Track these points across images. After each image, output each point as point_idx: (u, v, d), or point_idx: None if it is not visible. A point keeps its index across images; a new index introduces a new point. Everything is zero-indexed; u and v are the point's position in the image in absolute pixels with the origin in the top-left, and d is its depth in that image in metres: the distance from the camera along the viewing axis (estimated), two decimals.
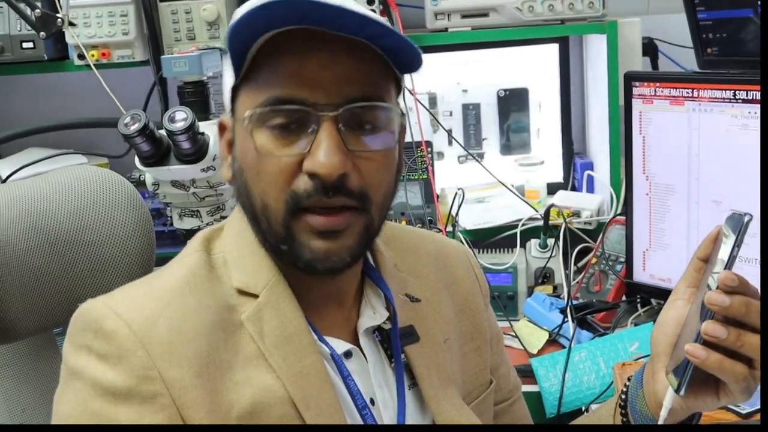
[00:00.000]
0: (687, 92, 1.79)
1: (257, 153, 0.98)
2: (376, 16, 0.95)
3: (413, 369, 1.11)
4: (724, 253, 0.97)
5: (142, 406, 0.95)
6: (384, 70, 1.00)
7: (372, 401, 1.07)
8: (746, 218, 0.96)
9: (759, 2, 1.77)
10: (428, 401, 1.10)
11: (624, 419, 1.11)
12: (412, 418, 1.10)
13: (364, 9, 0.94)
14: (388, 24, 0.95)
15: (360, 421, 1.05)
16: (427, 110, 2.42)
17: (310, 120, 0.96)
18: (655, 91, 1.86)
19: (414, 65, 1.00)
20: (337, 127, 0.96)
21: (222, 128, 1.09)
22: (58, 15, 1.96)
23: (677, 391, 0.98)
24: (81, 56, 2.22)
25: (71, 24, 2.01)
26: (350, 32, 0.94)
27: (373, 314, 1.11)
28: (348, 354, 1.07)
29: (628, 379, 1.13)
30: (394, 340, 1.10)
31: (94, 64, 2.17)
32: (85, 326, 0.99)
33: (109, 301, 1.01)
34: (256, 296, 1.03)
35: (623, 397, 1.12)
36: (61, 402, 1.00)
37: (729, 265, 0.96)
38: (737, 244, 0.96)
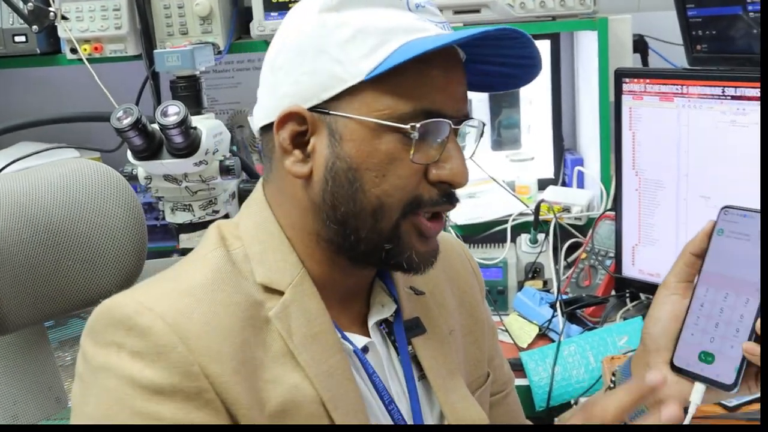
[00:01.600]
0: (676, 89, 1.81)
1: (388, 156, 0.99)
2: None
3: (420, 360, 1.12)
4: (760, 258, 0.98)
5: (186, 403, 0.93)
6: None
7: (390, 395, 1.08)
8: None
9: (748, 0, 1.79)
10: (436, 391, 1.12)
11: None
12: (423, 409, 1.11)
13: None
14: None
15: (387, 417, 1.06)
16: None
17: (445, 131, 1.00)
18: (644, 87, 1.87)
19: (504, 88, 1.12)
20: (456, 139, 1.03)
21: (288, 118, 1.02)
22: (50, 9, 1.97)
23: (731, 388, 0.99)
24: (73, 50, 2.22)
25: (64, 18, 2.03)
26: (526, 57, 1.04)
27: (382, 308, 1.13)
28: (365, 349, 1.08)
29: (613, 374, 1.13)
30: (398, 332, 1.12)
31: (87, 59, 2.18)
32: (115, 323, 0.96)
33: (138, 296, 0.98)
34: (281, 293, 1.03)
35: None
36: (88, 402, 0.96)
37: None
38: None
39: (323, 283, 1.06)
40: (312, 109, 1.01)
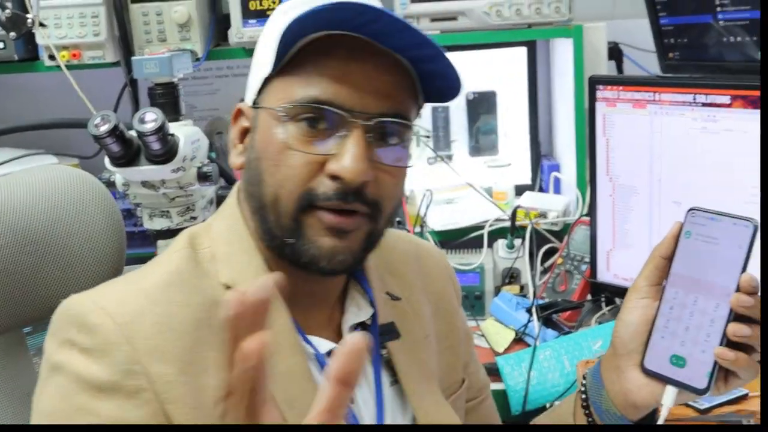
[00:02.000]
0: (649, 96, 1.83)
1: (282, 145, 1.00)
2: (433, 39, 1.00)
3: (395, 365, 1.13)
4: (732, 259, 1.00)
5: (126, 401, 0.95)
6: (413, 93, 1.05)
7: (351, 399, 1.08)
8: (755, 222, 1.00)
9: (717, 9, 1.81)
10: (410, 396, 1.12)
11: (590, 419, 1.13)
12: (393, 414, 1.12)
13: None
14: (442, 49, 1.00)
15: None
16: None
17: (342, 124, 0.99)
18: (618, 94, 1.89)
19: (449, 95, 1.06)
20: (365, 136, 0.99)
21: (238, 115, 1.10)
22: (28, 16, 1.97)
23: (702, 393, 1.01)
24: (51, 57, 2.22)
25: (42, 25, 2.02)
26: (399, 49, 1.00)
27: (358, 311, 1.13)
28: (331, 353, 1.09)
29: (584, 377, 1.14)
30: (373, 336, 1.12)
31: (65, 65, 2.18)
32: (69, 321, 0.99)
33: (94, 296, 1.02)
34: None
35: (584, 396, 1.14)
36: (43, 398, 1.00)
37: (744, 269, 0.99)
38: (751, 250, 0.99)
39: (286, 287, 1.07)
40: (253, 105, 1.06)
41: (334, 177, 0.99)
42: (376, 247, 1.08)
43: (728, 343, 0.99)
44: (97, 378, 0.96)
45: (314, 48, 1.00)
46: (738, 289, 0.99)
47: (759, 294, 0.99)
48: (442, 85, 1.05)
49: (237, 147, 1.09)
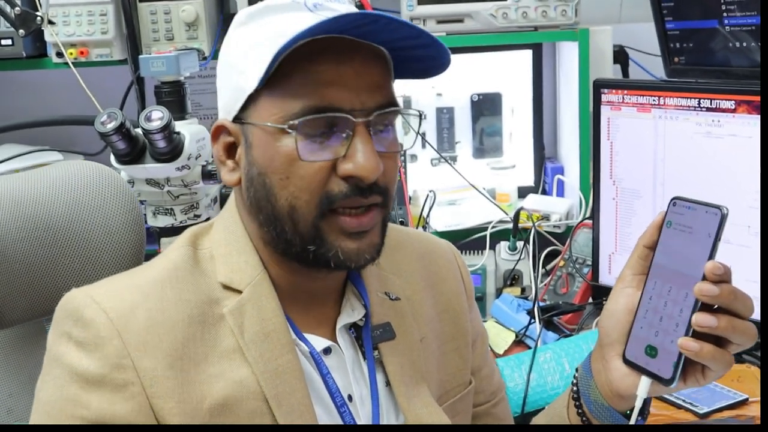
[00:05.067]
0: (653, 100, 1.84)
1: (289, 157, 1.00)
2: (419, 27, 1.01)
3: (385, 366, 1.13)
4: (701, 247, 0.99)
5: (114, 394, 0.98)
6: (390, 73, 1.07)
7: (350, 397, 1.10)
8: (725, 211, 0.98)
9: (724, 14, 1.82)
10: (398, 397, 1.12)
11: (579, 410, 1.13)
12: (388, 414, 1.13)
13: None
14: (425, 30, 1.01)
15: (338, 418, 1.07)
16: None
17: (345, 126, 1.00)
18: (623, 98, 1.90)
19: (432, 73, 1.09)
20: (368, 131, 1.01)
21: (218, 131, 1.09)
22: (37, 13, 1.98)
23: (669, 383, 1.00)
24: (59, 54, 2.23)
25: (50, 22, 2.03)
26: (383, 40, 1.01)
27: (352, 311, 1.14)
28: (327, 350, 1.10)
29: (576, 370, 1.15)
30: (365, 336, 1.13)
31: (73, 62, 2.19)
32: (67, 314, 1.03)
33: (91, 290, 1.04)
34: (239, 292, 1.07)
35: (575, 389, 1.14)
36: (42, 388, 1.03)
37: (711, 258, 0.98)
38: (718, 238, 0.98)
39: (284, 285, 1.09)
40: (234, 120, 1.06)
41: (348, 177, 1.00)
42: None
43: (698, 333, 0.97)
44: (87, 371, 0.99)
45: (298, 56, 0.99)
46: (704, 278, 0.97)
47: (728, 283, 0.97)
48: (427, 65, 1.08)
49: (226, 164, 1.09)
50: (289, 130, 0.99)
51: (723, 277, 0.96)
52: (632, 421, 1.05)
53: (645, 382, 1.02)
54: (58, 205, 1.30)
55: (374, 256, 1.06)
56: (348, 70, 1.00)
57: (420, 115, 1.12)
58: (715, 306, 0.97)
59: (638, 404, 1.04)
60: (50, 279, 1.28)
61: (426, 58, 1.05)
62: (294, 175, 1.01)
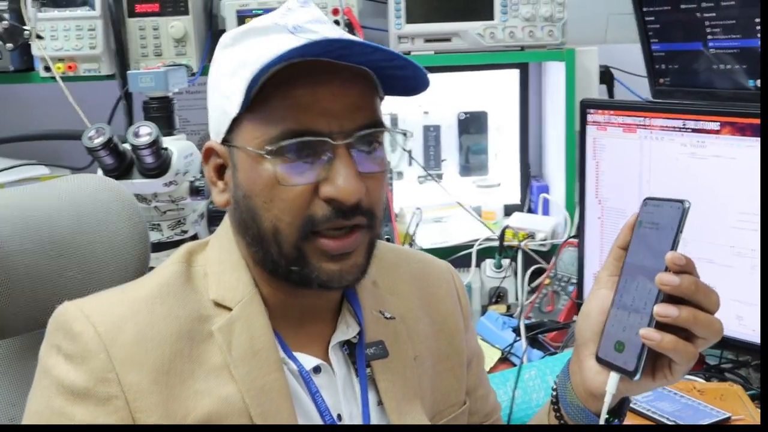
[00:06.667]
0: (639, 120, 1.85)
1: (270, 181, 1.01)
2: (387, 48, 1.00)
3: (377, 384, 1.13)
4: (665, 241, 0.99)
5: (97, 407, 0.98)
6: (376, 92, 1.07)
7: (339, 417, 1.09)
8: (686, 205, 0.99)
9: (708, 36, 1.84)
10: (390, 415, 1.12)
11: (557, 414, 1.13)
12: None
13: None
14: (399, 53, 1.01)
15: None
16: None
17: (325, 149, 1.00)
18: (608, 118, 1.91)
19: (414, 91, 1.08)
20: (350, 153, 1.01)
21: (209, 153, 1.10)
22: (25, 27, 1.98)
23: (632, 375, 1.00)
24: (47, 68, 2.23)
25: (38, 37, 2.03)
26: (379, 60, 1.01)
27: (347, 329, 1.14)
28: (317, 369, 1.10)
29: (557, 377, 1.15)
30: (359, 354, 1.13)
31: (60, 77, 2.19)
32: (58, 327, 1.03)
33: (82, 304, 1.05)
34: (230, 309, 1.07)
35: (554, 394, 1.14)
36: (31, 399, 1.04)
37: (674, 249, 0.98)
38: (680, 230, 0.99)
39: (276, 304, 1.09)
40: (222, 142, 1.07)
41: (329, 200, 1.00)
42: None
43: (663, 326, 0.97)
44: (74, 383, 0.99)
45: (277, 80, 0.99)
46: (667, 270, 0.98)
47: (692, 274, 0.97)
48: (407, 84, 1.07)
49: (217, 185, 1.10)
50: (267, 156, 1.00)
51: (685, 268, 0.97)
52: (601, 420, 1.05)
53: (613, 377, 1.03)
54: (64, 218, 1.29)
55: (357, 276, 1.06)
56: (325, 93, 1.00)
57: (405, 134, 1.13)
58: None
59: (607, 399, 1.03)
60: (54, 291, 1.28)
61: (405, 77, 1.06)
62: (276, 198, 1.01)
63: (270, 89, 1.00)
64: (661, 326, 0.97)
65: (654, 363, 1.01)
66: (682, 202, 1.00)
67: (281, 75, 0.99)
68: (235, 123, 1.04)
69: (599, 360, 1.05)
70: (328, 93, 1.00)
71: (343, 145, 1.00)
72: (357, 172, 1.01)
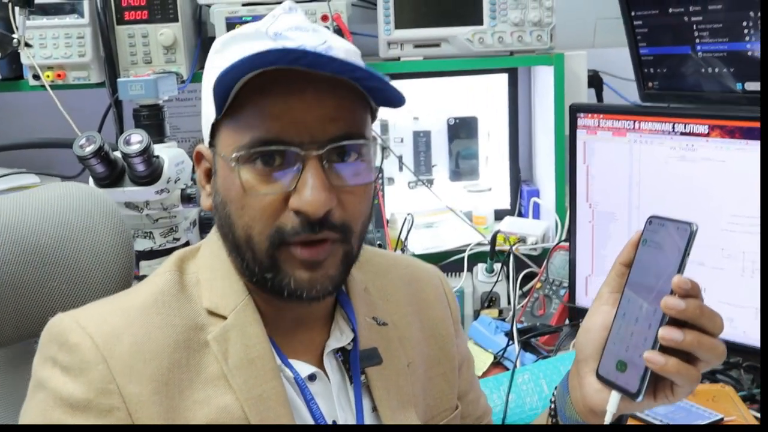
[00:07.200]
0: (628, 124, 1.86)
1: (241, 188, 1.00)
2: (361, 63, 1.00)
3: (372, 391, 1.13)
4: (670, 263, 1.00)
5: (99, 419, 0.98)
6: (362, 104, 1.04)
7: (334, 423, 1.09)
8: (694, 227, 0.99)
9: (696, 40, 1.85)
10: (384, 422, 1.12)
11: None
12: None
13: (346, 54, 1.00)
14: (373, 70, 0.99)
15: None
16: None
17: (295, 159, 0.99)
18: (598, 122, 1.92)
19: (395, 104, 1.05)
20: (321, 164, 0.99)
21: (199, 157, 1.11)
22: (13, 36, 1.97)
23: (635, 397, 1.00)
24: (36, 77, 2.23)
25: (27, 45, 2.03)
26: (336, 73, 0.98)
27: (341, 335, 1.14)
28: (312, 377, 1.10)
29: (555, 389, 1.16)
30: (353, 362, 1.13)
31: (50, 85, 2.19)
32: (52, 339, 1.02)
33: (77, 315, 1.04)
34: (224, 318, 1.06)
35: (553, 407, 1.15)
36: (26, 412, 1.03)
37: (680, 272, 0.99)
38: (687, 253, 0.99)
39: (269, 311, 1.09)
40: (209, 146, 1.07)
41: (297, 212, 0.99)
42: (356, 264, 1.10)
43: (666, 348, 0.98)
44: (72, 395, 0.98)
45: (251, 88, 0.99)
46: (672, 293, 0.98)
47: (696, 298, 0.98)
48: (387, 97, 1.05)
49: (205, 188, 1.10)
50: (233, 163, 1.00)
51: (690, 292, 0.97)
52: None
53: (614, 397, 1.03)
54: (47, 227, 1.29)
55: (329, 288, 1.04)
56: (297, 103, 0.99)
57: (384, 149, 1.10)
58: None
59: (608, 419, 1.04)
60: (39, 301, 1.28)
61: (377, 89, 1.03)
62: (247, 206, 1.01)
63: (244, 97, 0.99)
64: (665, 348, 0.98)
65: (656, 383, 1.01)
66: (689, 224, 1.00)
67: (255, 82, 0.99)
68: (215, 128, 1.05)
69: (600, 377, 1.05)
70: (300, 102, 0.99)
71: (314, 156, 0.99)
72: (326, 184, 0.99)
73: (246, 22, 2.18)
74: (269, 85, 0.98)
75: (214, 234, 1.13)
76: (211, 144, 1.07)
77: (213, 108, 1.03)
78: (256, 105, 0.99)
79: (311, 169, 0.99)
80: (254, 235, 1.01)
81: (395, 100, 1.04)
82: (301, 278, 1.02)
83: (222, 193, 1.04)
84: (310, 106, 0.99)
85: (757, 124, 1.62)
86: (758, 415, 1.64)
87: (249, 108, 1.00)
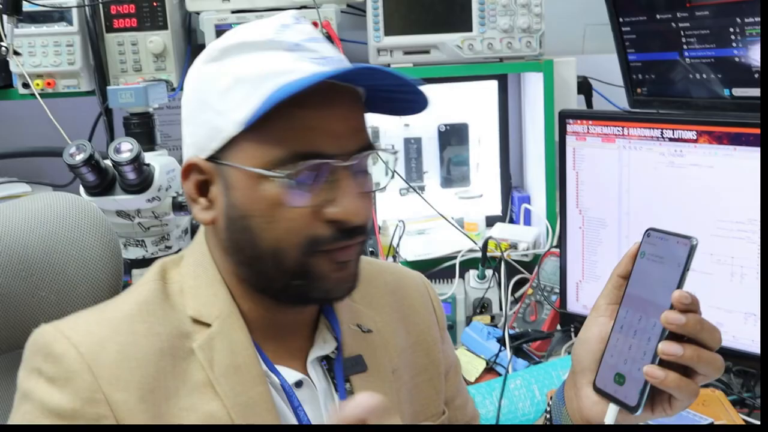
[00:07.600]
0: (618, 130, 1.87)
1: (273, 202, 1.00)
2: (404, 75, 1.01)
3: None
4: (669, 277, 1.00)
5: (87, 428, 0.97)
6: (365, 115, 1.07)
7: None
8: (694, 242, 1.00)
9: (684, 46, 1.86)
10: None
11: None
12: None
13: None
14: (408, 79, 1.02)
15: None
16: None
17: (329, 171, 1.00)
18: (587, 128, 1.93)
19: (415, 112, 1.08)
20: (352, 175, 1.02)
21: (190, 169, 1.07)
22: (2, 44, 1.97)
23: (634, 411, 1.00)
24: (25, 85, 2.23)
25: (16, 53, 2.02)
26: (399, 86, 1.02)
27: (324, 344, 1.14)
28: (299, 383, 1.10)
29: (551, 398, 1.16)
30: (337, 369, 1.13)
31: (39, 93, 2.18)
32: (37, 350, 1.02)
33: (61, 325, 1.04)
34: (209, 325, 1.06)
35: (548, 416, 1.15)
36: (12, 424, 1.02)
37: (680, 287, 0.99)
38: (687, 268, 0.99)
39: (254, 318, 1.09)
40: (208, 158, 1.04)
41: (333, 221, 1.01)
42: None
43: (665, 362, 0.98)
44: (59, 406, 0.98)
45: (283, 102, 0.97)
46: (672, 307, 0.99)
47: (696, 313, 0.98)
48: (405, 106, 1.08)
49: (199, 202, 1.07)
50: (274, 177, 0.99)
51: (690, 307, 0.97)
52: None
53: (612, 409, 1.03)
54: (34, 237, 1.29)
55: (354, 284, 1.07)
56: (331, 115, 1.00)
57: (395, 153, 1.14)
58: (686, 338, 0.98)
59: None
60: (26, 311, 1.27)
61: (404, 100, 1.06)
62: (279, 219, 1.00)
63: (273, 109, 0.97)
64: (663, 361, 0.98)
65: (653, 396, 1.01)
66: (690, 238, 1.01)
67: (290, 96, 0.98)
68: (230, 141, 1.02)
69: (597, 390, 1.06)
70: (334, 116, 1.00)
71: (347, 167, 1.01)
72: (361, 193, 1.02)
73: None
74: (303, 97, 0.97)
75: (197, 243, 1.13)
76: (216, 157, 1.04)
77: (226, 119, 1.01)
78: (291, 118, 0.99)
79: (346, 179, 1.01)
80: (285, 246, 1.01)
81: (416, 110, 1.08)
82: (335, 278, 1.04)
83: (242, 207, 1.02)
84: (342, 118, 1.01)
85: (745, 130, 1.63)
86: (747, 419, 1.65)
87: (281, 121, 0.99)
